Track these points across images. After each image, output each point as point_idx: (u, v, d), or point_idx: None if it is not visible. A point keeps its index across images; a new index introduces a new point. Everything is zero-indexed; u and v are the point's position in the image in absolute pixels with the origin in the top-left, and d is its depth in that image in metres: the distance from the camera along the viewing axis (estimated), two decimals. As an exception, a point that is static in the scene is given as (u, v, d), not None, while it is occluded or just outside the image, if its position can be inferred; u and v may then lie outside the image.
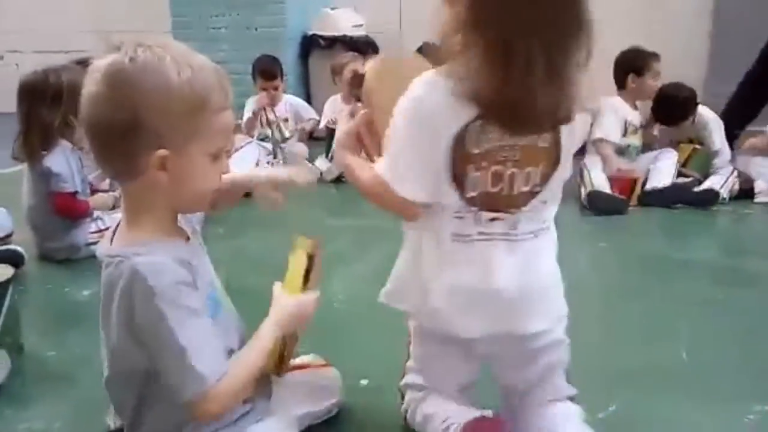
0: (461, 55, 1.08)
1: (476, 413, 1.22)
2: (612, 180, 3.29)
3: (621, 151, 3.47)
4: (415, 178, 1.14)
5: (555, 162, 1.18)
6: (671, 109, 3.44)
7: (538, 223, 1.22)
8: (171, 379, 0.99)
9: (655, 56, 3.46)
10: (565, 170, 1.20)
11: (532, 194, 1.18)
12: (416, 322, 1.30)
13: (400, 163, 1.15)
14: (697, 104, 3.45)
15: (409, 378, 1.36)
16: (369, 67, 1.38)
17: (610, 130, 3.35)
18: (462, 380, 1.32)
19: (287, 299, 1.15)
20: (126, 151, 0.99)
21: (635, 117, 3.49)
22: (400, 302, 1.27)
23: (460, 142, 1.11)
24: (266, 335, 1.10)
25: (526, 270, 1.19)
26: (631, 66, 3.43)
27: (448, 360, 1.28)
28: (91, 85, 0.99)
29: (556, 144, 1.16)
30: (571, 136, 1.17)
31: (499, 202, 1.16)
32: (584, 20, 1.08)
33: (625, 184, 3.29)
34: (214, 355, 0.99)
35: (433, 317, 1.22)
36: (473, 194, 1.15)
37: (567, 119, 1.13)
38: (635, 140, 3.49)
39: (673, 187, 3.24)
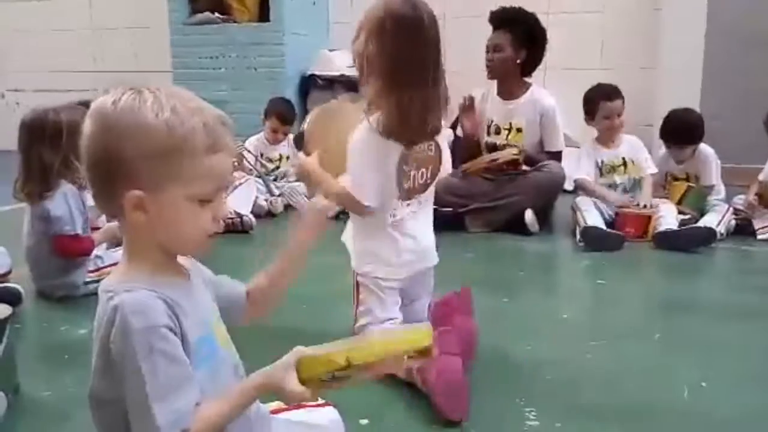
0: (378, 107, 1.80)
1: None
2: (626, 217, 3.32)
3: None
4: (372, 192, 1.82)
5: (439, 163, 1.93)
6: (680, 129, 3.50)
7: (431, 204, 1.98)
8: (132, 423, 0.97)
9: (604, 95, 3.53)
10: (445, 168, 1.98)
11: (427, 185, 1.92)
12: (370, 276, 1.89)
13: (362, 183, 1.82)
14: (703, 131, 3.50)
15: (362, 321, 1.90)
16: (310, 116, 2.04)
17: (581, 169, 3.51)
18: (396, 316, 1.90)
19: (286, 379, 1.01)
20: (107, 190, 1.00)
21: (610, 155, 3.54)
22: (361, 267, 1.91)
23: (401, 164, 1.84)
24: (243, 392, 1.04)
25: (429, 230, 1.96)
26: (585, 110, 3.59)
27: (388, 300, 1.89)
28: (84, 125, 1.01)
29: (438, 151, 1.92)
30: (444, 143, 1.95)
31: (411, 192, 1.88)
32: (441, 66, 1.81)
33: (640, 222, 3.30)
34: (180, 404, 0.96)
35: (382, 269, 1.88)
36: (399, 192, 1.86)
37: (439, 130, 1.90)
38: (617, 177, 3.53)
39: (687, 228, 3.22)
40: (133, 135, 0.97)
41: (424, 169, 1.89)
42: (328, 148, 1.93)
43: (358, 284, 1.93)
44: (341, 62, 5.20)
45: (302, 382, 1.02)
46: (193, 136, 0.98)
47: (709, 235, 3.15)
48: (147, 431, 0.95)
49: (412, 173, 1.86)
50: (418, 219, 1.93)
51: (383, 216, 1.87)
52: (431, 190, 1.96)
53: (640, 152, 3.58)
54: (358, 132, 1.83)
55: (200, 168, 1.00)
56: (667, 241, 3.15)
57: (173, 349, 0.97)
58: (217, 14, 5.35)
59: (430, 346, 1.10)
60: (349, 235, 2.00)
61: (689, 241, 3.13)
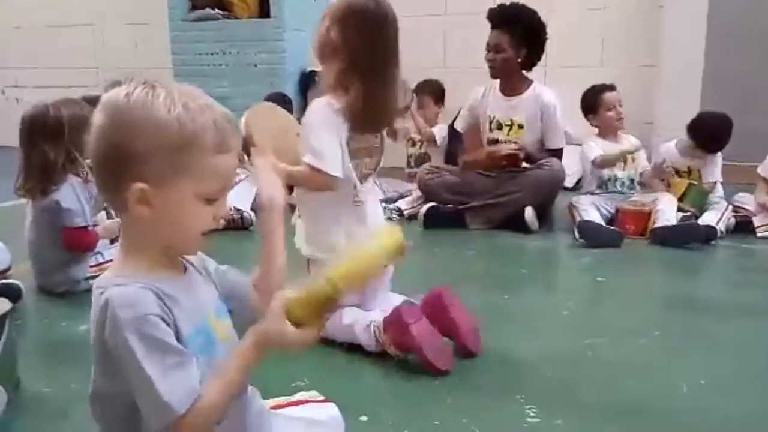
0: (342, 91, 1.91)
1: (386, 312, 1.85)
2: (625, 215, 3.31)
3: (605, 184, 3.53)
4: (335, 162, 1.89)
5: (381, 154, 2.08)
6: (712, 138, 3.45)
7: (375, 191, 2.15)
8: (142, 409, 0.98)
9: (602, 89, 3.57)
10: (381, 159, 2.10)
11: (368, 175, 2.03)
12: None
13: (324, 154, 1.88)
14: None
15: None
16: (248, 113, 1.97)
17: (594, 151, 3.54)
18: (357, 300, 1.95)
19: (283, 329, 1.04)
20: (113, 183, 1.01)
21: (612, 148, 3.56)
22: (318, 253, 1.93)
23: (348, 143, 1.92)
24: (242, 355, 1.05)
25: (376, 215, 2.06)
26: (585, 108, 3.62)
27: None
28: (93, 117, 1.01)
29: (382, 143, 2.07)
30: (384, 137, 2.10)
31: (361, 179, 1.98)
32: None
33: (640, 218, 3.30)
34: (184, 384, 0.97)
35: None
36: (355, 173, 1.94)
37: (391, 125, 2.12)
38: (618, 172, 3.55)
39: (683, 224, 3.21)
40: (144, 128, 0.97)
41: (368, 159, 2.02)
42: (276, 146, 1.94)
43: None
44: (341, 59, 5.18)
45: (296, 325, 1.03)
46: (203, 134, 0.99)
47: (709, 232, 3.15)
48: (158, 413, 0.96)
49: (356, 161, 1.95)
50: (373, 203, 2.04)
51: (346, 194, 1.95)
52: (372, 181, 2.10)
53: (640, 151, 3.62)
54: (315, 106, 1.94)
55: (208, 165, 1.00)
56: (663, 236, 3.14)
57: (166, 336, 0.97)
58: (217, 10, 5.33)
59: (402, 242, 1.11)
60: (300, 220, 2.02)
61: (686, 236, 3.12)
